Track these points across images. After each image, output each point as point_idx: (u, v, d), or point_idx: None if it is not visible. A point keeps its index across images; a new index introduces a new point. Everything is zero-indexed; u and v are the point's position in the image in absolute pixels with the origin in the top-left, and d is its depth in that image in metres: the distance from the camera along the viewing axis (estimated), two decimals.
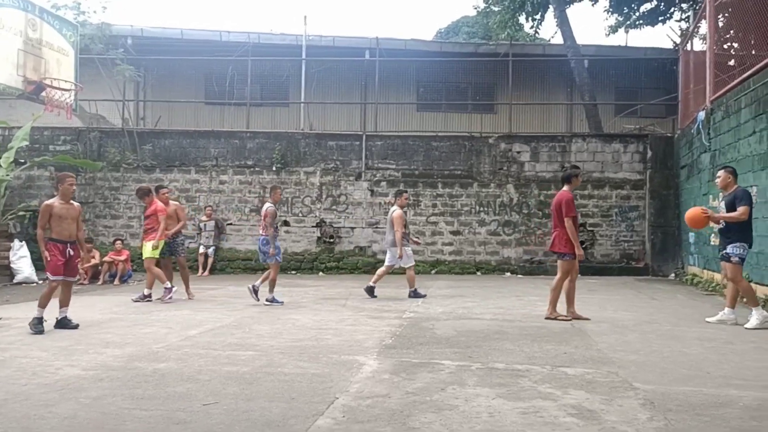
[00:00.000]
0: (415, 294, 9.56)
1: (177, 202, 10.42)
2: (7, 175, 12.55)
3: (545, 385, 4.38)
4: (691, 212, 7.49)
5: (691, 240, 12.58)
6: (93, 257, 12.42)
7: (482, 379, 4.54)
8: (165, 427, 3.48)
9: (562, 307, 7.44)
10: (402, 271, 10.01)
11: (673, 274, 13.50)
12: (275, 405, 3.88)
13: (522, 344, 5.87)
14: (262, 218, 8.87)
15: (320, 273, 14.42)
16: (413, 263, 9.73)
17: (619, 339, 6.18)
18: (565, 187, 7.68)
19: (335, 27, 47.42)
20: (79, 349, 5.60)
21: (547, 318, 7.38)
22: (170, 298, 8.96)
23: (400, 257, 9.52)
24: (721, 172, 7.32)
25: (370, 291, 9.59)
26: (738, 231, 6.93)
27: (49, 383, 4.39)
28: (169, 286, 9.07)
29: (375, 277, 9.78)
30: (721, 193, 7.70)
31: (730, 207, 7.00)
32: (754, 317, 6.84)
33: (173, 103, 17.19)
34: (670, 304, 9.11)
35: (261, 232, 8.94)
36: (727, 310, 7.18)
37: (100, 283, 12.16)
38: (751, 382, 4.54)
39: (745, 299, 7.14)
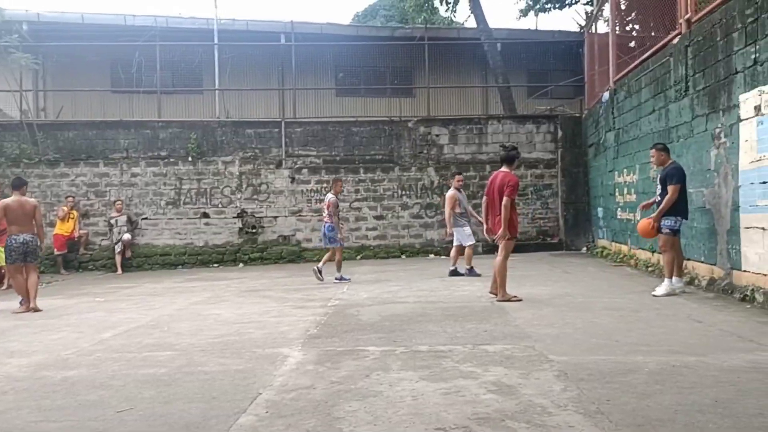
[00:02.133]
0: (470, 272, 9.94)
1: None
2: None
3: (467, 364, 4.50)
4: (641, 227, 7.61)
5: (600, 215, 13.26)
6: None
7: (406, 362, 4.60)
8: None
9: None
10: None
11: (584, 248, 14.20)
12: (195, 406, 3.76)
13: (445, 325, 5.99)
14: (325, 208, 10.01)
15: (240, 265, 14.12)
16: (471, 243, 10.09)
17: (535, 314, 6.43)
18: (505, 168, 7.36)
19: (248, 11, 46.01)
20: None
21: (499, 301, 7.15)
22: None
23: (450, 235, 10.37)
24: (652, 151, 7.55)
25: (457, 272, 10.01)
26: (672, 205, 7.17)
27: None
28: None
29: (452, 259, 10.17)
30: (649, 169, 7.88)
31: (663, 183, 7.30)
32: (664, 286, 7.28)
33: (77, 92, 16.16)
34: (582, 277, 9.59)
35: (325, 220, 10.00)
36: (675, 279, 7.35)
37: (3, 288, 11.35)
38: (654, 347, 4.84)
39: (664, 268, 7.49)
